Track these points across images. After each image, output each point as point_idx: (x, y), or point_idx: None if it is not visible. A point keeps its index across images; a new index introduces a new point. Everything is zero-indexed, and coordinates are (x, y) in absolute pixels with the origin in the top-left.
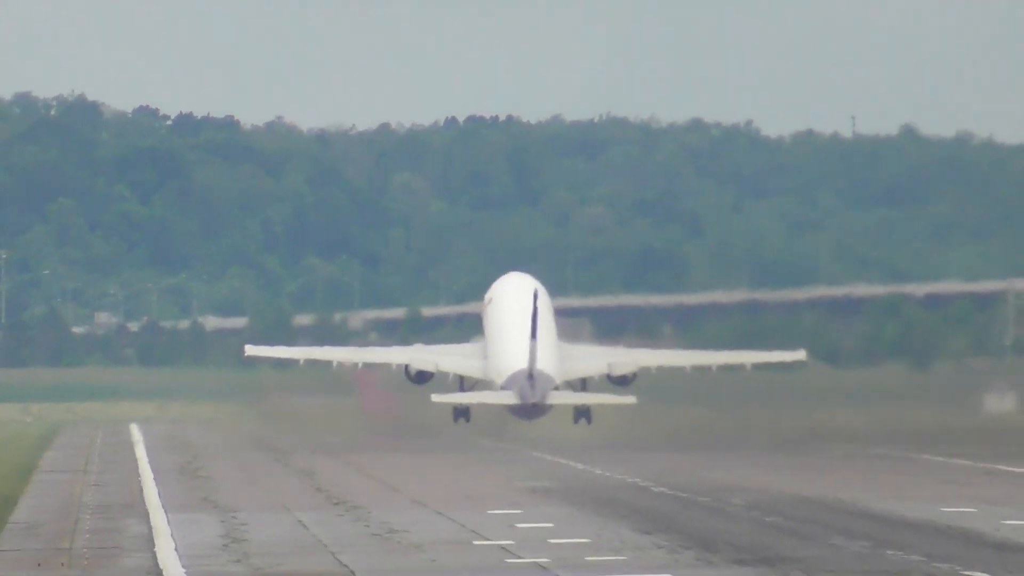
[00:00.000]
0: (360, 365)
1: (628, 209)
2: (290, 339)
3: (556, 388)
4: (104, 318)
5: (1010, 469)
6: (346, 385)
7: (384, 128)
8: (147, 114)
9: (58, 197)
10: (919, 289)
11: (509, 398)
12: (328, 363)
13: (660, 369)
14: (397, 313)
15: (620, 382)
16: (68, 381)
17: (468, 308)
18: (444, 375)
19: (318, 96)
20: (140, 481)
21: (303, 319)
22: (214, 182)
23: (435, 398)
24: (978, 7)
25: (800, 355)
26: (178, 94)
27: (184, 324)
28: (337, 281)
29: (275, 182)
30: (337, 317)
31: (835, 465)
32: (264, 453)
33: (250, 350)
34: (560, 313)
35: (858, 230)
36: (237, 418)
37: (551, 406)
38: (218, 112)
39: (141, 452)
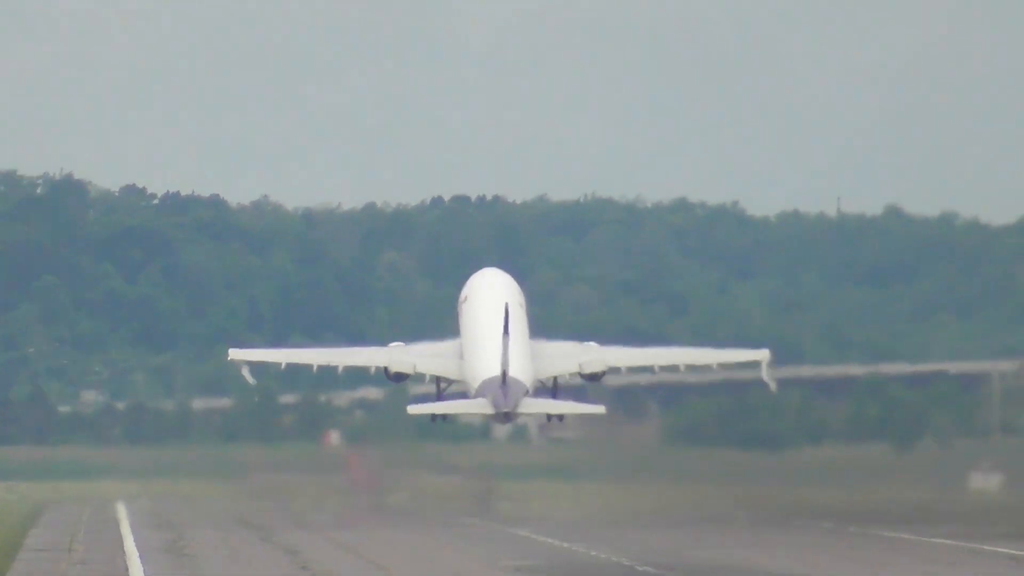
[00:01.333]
0: (340, 369)
1: (613, 289)
2: (275, 419)
3: (528, 394)
4: (90, 397)
5: (996, 549)
6: (332, 462)
7: (370, 207)
8: (134, 193)
9: (44, 275)
10: (904, 368)
11: (483, 407)
12: (314, 440)
13: (629, 369)
14: (381, 393)
15: (590, 379)
16: (53, 460)
17: (452, 388)
18: (421, 376)
19: (304, 175)
20: (125, 559)
21: (288, 398)
22: (200, 261)
23: (411, 410)
24: (963, 88)
25: (763, 354)
26: (165, 173)
27: (169, 404)
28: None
29: (261, 261)
30: (322, 397)
31: (820, 544)
32: (249, 530)
33: (233, 354)
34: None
35: (843, 309)
36: (222, 496)
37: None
38: (205, 191)
39: (126, 530)
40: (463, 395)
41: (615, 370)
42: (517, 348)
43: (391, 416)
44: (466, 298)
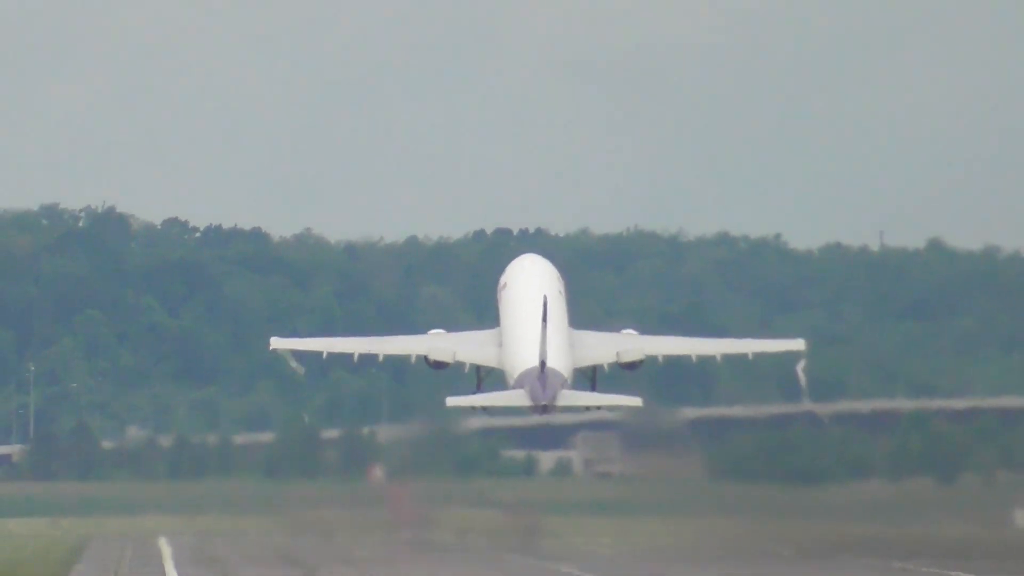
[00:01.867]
0: (380, 358)
1: (656, 322)
2: (318, 455)
3: (566, 384)
4: (133, 431)
5: None
6: (374, 497)
7: (412, 241)
8: (176, 226)
9: (86, 309)
10: (947, 403)
11: (521, 399)
12: (356, 475)
13: (666, 358)
14: (424, 426)
15: (628, 367)
16: (97, 495)
17: (494, 422)
18: (461, 364)
19: (346, 208)
20: None
21: (330, 433)
22: (242, 294)
23: (450, 402)
24: (1004, 121)
25: (799, 344)
26: (207, 206)
27: (212, 438)
28: (364, 394)
29: (303, 294)
30: (365, 431)
31: None
32: (292, 566)
33: (275, 342)
34: (586, 427)
35: (885, 343)
36: (265, 531)
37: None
38: (246, 224)
39: (169, 566)
40: (501, 387)
41: (652, 359)
42: (556, 337)
43: (434, 451)
44: (505, 284)
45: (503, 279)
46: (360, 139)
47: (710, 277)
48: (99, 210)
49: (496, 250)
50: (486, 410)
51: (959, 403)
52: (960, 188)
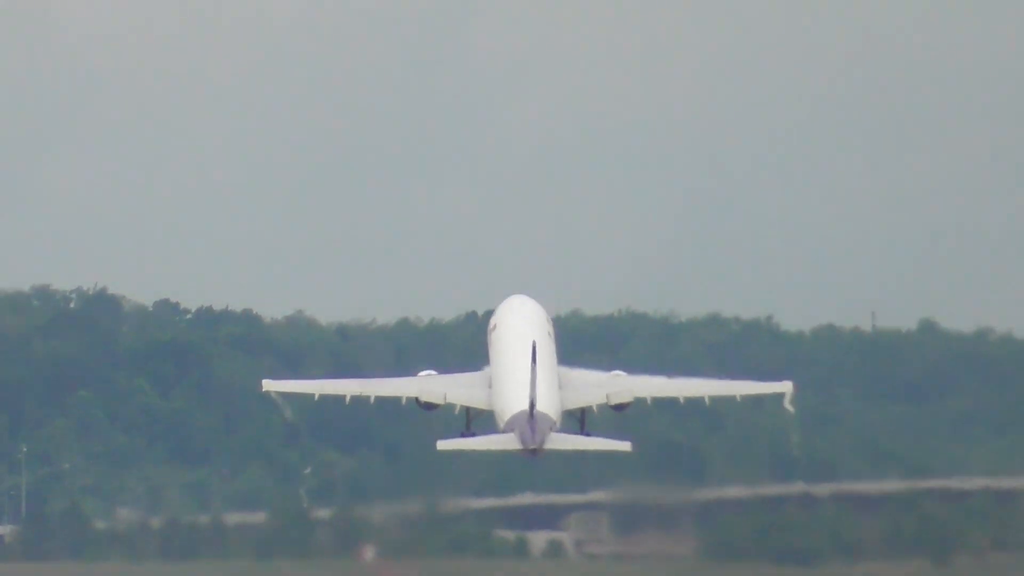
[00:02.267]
0: (372, 399)
1: (648, 403)
2: (309, 535)
3: (555, 427)
4: (125, 512)
5: None
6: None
7: (404, 323)
8: (167, 307)
9: (78, 390)
10: (940, 484)
11: (511, 443)
12: (348, 555)
13: (655, 399)
14: (416, 506)
15: (617, 409)
16: (89, 575)
17: (486, 503)
18: (451, 405)
19: (338, 290)
20: None
21: (322, 513)
22: (234, 376)
23: (441, 446)
24: (996, 204)
25: (786, 386)
26: (198, 287)
27: (204, 519)
28: (357, 474)
29: (295, 375)
30: (357, 511)
31: None
32: None
33: (268, 385)
34: (578, 508)
35: (878, 425)
36: None
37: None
38: (238, 305)
39: None
40: (492, 430)
41: (641, 400)
42: (545, 380)
43: (426, 531)
44: (495, 326)
45: (493, 320)
46: (351, 221)
47: (702, 358)
48: (90, 292)
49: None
50: (472, 433)
51: (952, 484)
52: (952, 270)
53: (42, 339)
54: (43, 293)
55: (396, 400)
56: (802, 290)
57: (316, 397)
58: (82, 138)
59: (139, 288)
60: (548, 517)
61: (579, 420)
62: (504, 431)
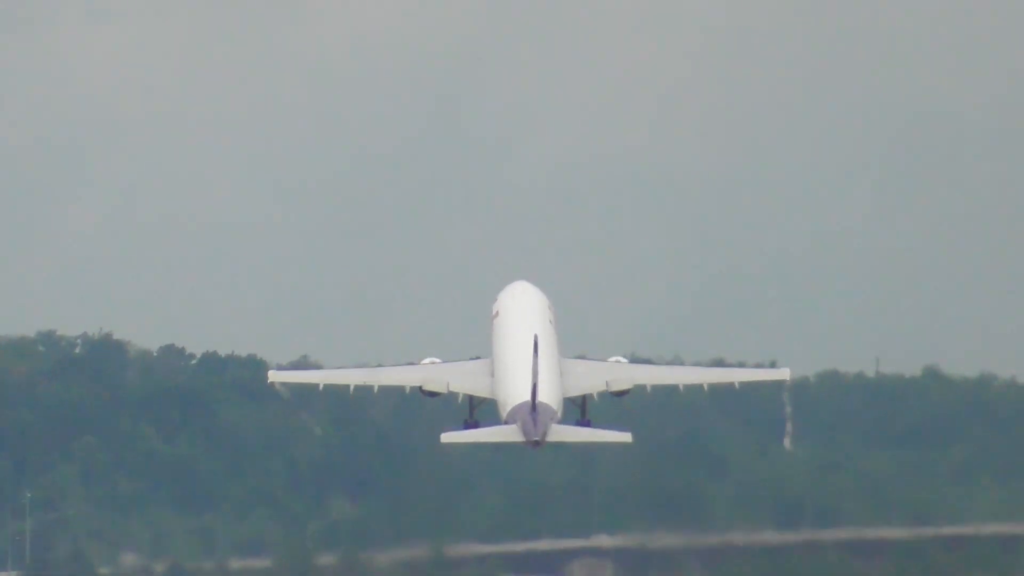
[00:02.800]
0: (376, 389)
1: (652, 449)
2: None
3: (556, 417)
4: (129, 558)
5: None
6: None
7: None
8: (172, 353)
9: (83, 435)
10: (943, 531)
11: (514, 434)
12: None
13: (654, 387)
14: (421, 552)
15: (617, 395)
16: None
17: (491, 548)
18: (454, 393)
19: (343, 335)
20: None
21: (327, 559)
22: (239, 421)
23: (445, 438)
24: (1000, 250)
25: (784, 373)
26: (203, 333)
27: (209, 564)
28: (361, 520)
29: (300, 421)
30: (362, 556)
31: None
32: None
33: (273, 375)
34: (584, 552)
35: (882, 471)
36: None
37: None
38: (243, 351)
39: None
40: (496, 419)
41: (641, 387)
42: (546, 369)
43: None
44: (497, 313)
45: (495, 307)
46: (356, 266)
47: (707, 404)
48: (96, 337)
49: None
50: (477, 424)
51: (956, 530)
52: (956, 316)
53: (47, 384)
54: (48, 338)
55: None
56: (806, 335)
57: (320, 387)
58: (87, 183)
59: (144, 333)
60: (552, 562)
61: (580, 407)
62: (506, 422)
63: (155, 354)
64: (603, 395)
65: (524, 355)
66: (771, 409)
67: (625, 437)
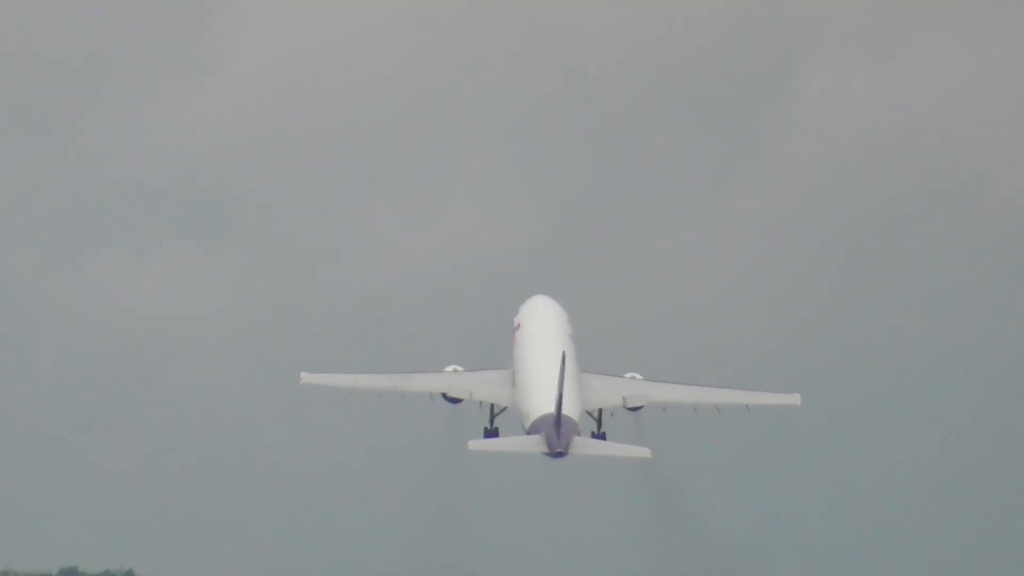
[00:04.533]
0: (402, 396)
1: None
2: None
3: (578, 430)
4: None
5: None
6: None
7: None
8: None
9: None
10: None
11: (538, 445)
12: None
13: (668, 405)
14: None
15: (632, 410)
16: None
17: None
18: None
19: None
20: None
21: None
22: None
23: (472, 446)
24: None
25: (795, 399)
26: (223, 568)
27: None
28: None
29: None
30: None
31: None
32: None
33: (306, 378)
34: None
35: None
36: None
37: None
38: None
39: None
40: (516, 427)
41: (656, 405)
42: (568, 384)
43: None
44: (519, 325)
45: (516, 319)
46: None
47: None
48: (118, 574)
49: None
50: (498, 432)
51: None
52: None
53: None
54: (71, 575)
55: (424, 387)
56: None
57: (350, 392)
58: (117, 416)
59: (165, 569)
60: None
61: (596, 420)
62: (529, 432)
63: None
64: (618, 410)
65: (547, 368)
66: None
67: (644, 452)
